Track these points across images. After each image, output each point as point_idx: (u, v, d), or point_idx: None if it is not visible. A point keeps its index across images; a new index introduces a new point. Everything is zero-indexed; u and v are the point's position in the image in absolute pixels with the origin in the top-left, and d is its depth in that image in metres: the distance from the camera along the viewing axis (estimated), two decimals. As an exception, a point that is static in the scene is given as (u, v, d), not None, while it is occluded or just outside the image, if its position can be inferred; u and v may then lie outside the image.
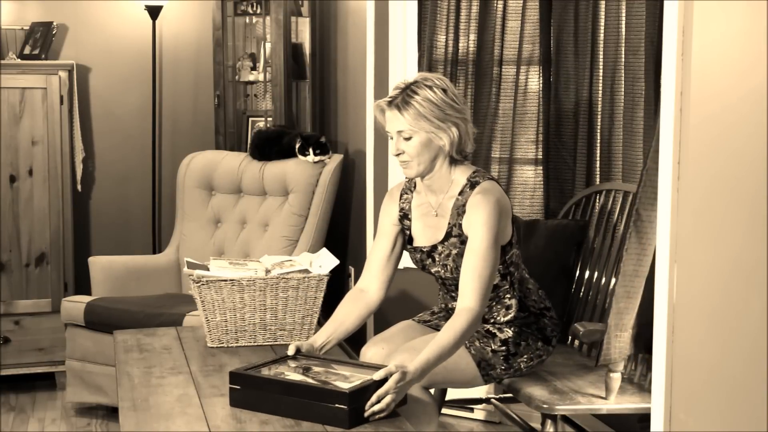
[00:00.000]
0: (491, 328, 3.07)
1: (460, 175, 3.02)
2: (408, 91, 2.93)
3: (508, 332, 3.06)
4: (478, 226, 2.90)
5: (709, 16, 2.28)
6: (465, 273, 2.90)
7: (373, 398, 2.60)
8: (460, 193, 2.99)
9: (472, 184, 2.98)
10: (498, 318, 3.08)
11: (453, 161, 3.01)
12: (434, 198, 3.07)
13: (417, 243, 3.10)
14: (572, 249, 3.48)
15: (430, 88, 2.93)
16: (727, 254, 2.21)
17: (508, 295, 3.08)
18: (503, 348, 3.04)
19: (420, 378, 2.73)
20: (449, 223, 3.01)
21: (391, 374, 2.64)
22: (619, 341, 2.81)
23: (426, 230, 3.08)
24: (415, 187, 3.14)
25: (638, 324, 2.80)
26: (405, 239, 3.14)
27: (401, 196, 3.15)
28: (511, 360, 3.04)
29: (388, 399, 2.61)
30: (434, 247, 3.05)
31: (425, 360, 2.75)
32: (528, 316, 3.10)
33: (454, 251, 3.00)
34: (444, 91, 2.94)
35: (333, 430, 2.55)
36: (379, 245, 3.15)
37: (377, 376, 2.63)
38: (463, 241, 2.97)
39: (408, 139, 2.94)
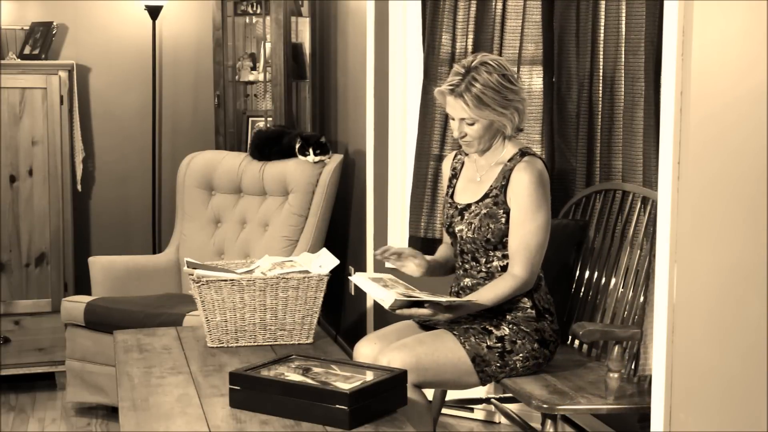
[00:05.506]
0: (488, 325, 3.08)
1: (513, 146, 3.16)
2: (469, 77, 3.04)
3: (505, 329, 3.07)
4: (521, 191, 3.04)
5: (709, 16, 2.28)
6: (511, 241, 3.07)
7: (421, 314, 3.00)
8: (510, 160, 3.12)
9: (522, 153, 3.13)
10: None
11: (509, 136, 3.16)
12: (484, 164, 3.20)
13: (455, 199, 3.23)
14: (572, 249, 3.47)
15: (490, 73, 3.04)
16: (727, 254, 2.21)
17: None
18: (499, 345, 3.05)
19: (452, 312, 3.00)
20: (491, 186, 3.13)
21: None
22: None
23: (466, 190, 3.22)
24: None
25: None
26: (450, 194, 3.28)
27: (455, 156, 3.33)
28: (507, 357, 3.05)
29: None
30: (468, 206, 3.17)
31: (461, 300, 3.01)
32: (531, 309, 3.11)
33: (484, 211, 3.11)
34: (503, 75, 3.06)
35: (333, 431, 2.56)
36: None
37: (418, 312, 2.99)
38: (497, 203, 3.09)
39: (471, 124, 3.09)
